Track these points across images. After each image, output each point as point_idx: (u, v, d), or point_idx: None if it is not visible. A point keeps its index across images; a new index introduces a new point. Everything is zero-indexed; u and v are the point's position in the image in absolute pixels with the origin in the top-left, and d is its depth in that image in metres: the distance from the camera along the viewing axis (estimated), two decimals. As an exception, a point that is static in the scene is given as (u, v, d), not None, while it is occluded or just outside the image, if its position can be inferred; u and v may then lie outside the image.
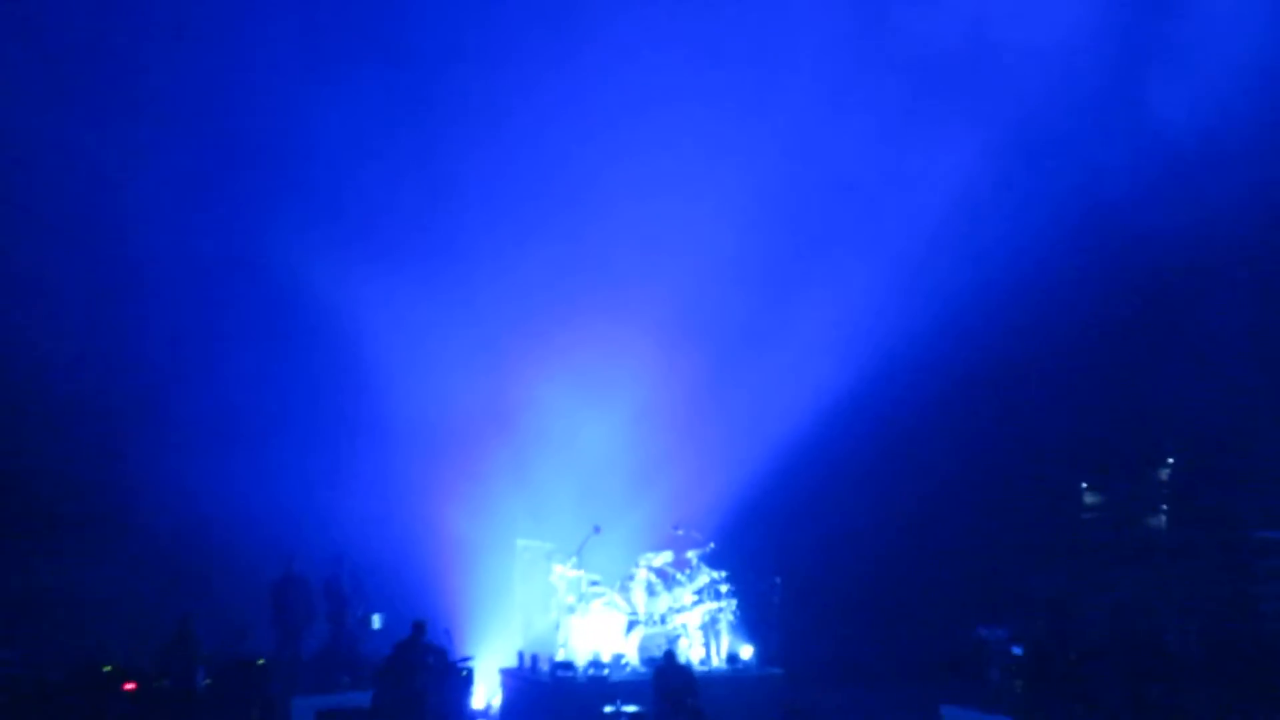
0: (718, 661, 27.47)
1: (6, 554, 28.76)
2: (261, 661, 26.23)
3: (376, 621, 28.49)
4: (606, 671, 26.20)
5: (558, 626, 27.57)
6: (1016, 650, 26.70)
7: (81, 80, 30.66)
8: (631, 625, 27.41)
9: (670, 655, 24.84)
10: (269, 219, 31.52)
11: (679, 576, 28.14)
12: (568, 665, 26.38)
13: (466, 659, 26.02)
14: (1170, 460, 31.32)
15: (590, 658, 26.61)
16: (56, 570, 28.73)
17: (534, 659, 26.99)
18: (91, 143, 30.48)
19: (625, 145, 31.14)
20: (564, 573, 27.72)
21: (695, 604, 27.80)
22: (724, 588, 28.17)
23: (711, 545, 28.54)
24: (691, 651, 27.00)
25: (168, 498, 28.04)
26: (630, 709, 24.19)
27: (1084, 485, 31.01)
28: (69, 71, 30.80)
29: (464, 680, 25.43)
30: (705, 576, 28.08)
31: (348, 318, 31.34)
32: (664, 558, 28.06)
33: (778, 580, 29.55)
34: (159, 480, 27.98)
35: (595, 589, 27.78)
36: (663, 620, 27.54)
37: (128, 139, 30.57)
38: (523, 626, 28.48)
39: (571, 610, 27.57)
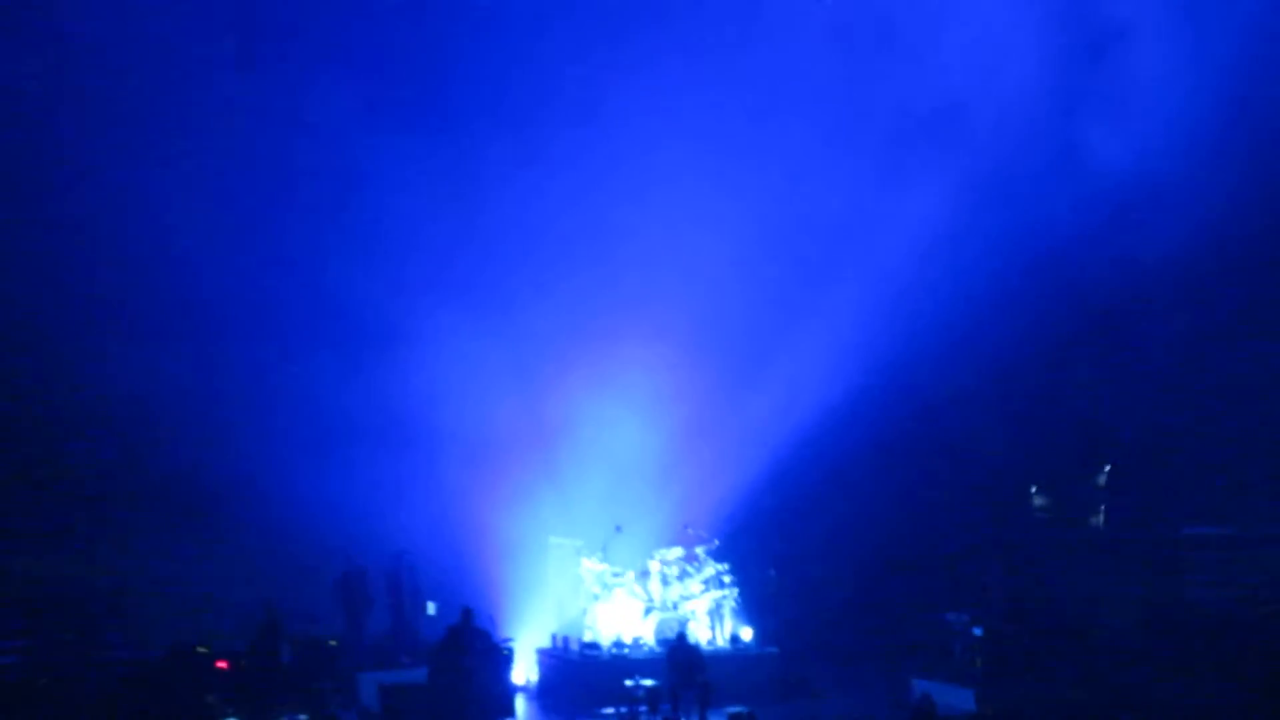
0: (722, 642, 29.38)
1: (129, 548, 30.09)
2: (334, 642, 28.56)
3: (431, 609, 30.14)
4: (627, 650, 28.24)
5: (585, 612, 29.71)
6: (977, 631, 27.76)
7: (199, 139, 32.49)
8: (648, 611, 29.41)
9: (682, 636, 26.67)
10: (353, 261, 33.46)
11: (689, 569, 30.13)
12: (594, 645, 28.57)
13: (508, 640, 27.57)
14: (1107, 467, 32.21)
15: (613, 639, 28.73)
16: (169, 561, 30.01)
17: (565, 640, 28.90)
18: (204, 188, 32.36)
19: (644, 184, 32.53)
20: (590, 566, 29.85)
21: (703, 592, 29.77)
22: (727, 578, 30.12)
23: (716, 542, 30.50)
24: (699, 633, 28.82)
25: (259, 499, 29.83)
26: (648, 683, 25.80)
27: (1034, 489, 32.27)
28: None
29: (506, 659, 26.99)
30: (711, 569, 30.07)
31: (412, 344, 32.88)
32: (675, 553, 30.09)
33: (773, 573, 32.24)
34: (253, 484, 29.90)
35: (617, 580, 29.84)
36: (675, 607, 29.49)
37: (234, 186, 32.61)
38: (555, 612, 30.17)
39: (597, 598, 29.68)
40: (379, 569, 31.49)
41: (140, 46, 31.96)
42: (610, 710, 26.43)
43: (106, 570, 30.42)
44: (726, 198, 32.89)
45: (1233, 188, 30.50)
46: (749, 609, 30.74)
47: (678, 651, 26.33)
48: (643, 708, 25.61)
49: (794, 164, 33.14)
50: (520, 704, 28.09)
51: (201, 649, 27.01)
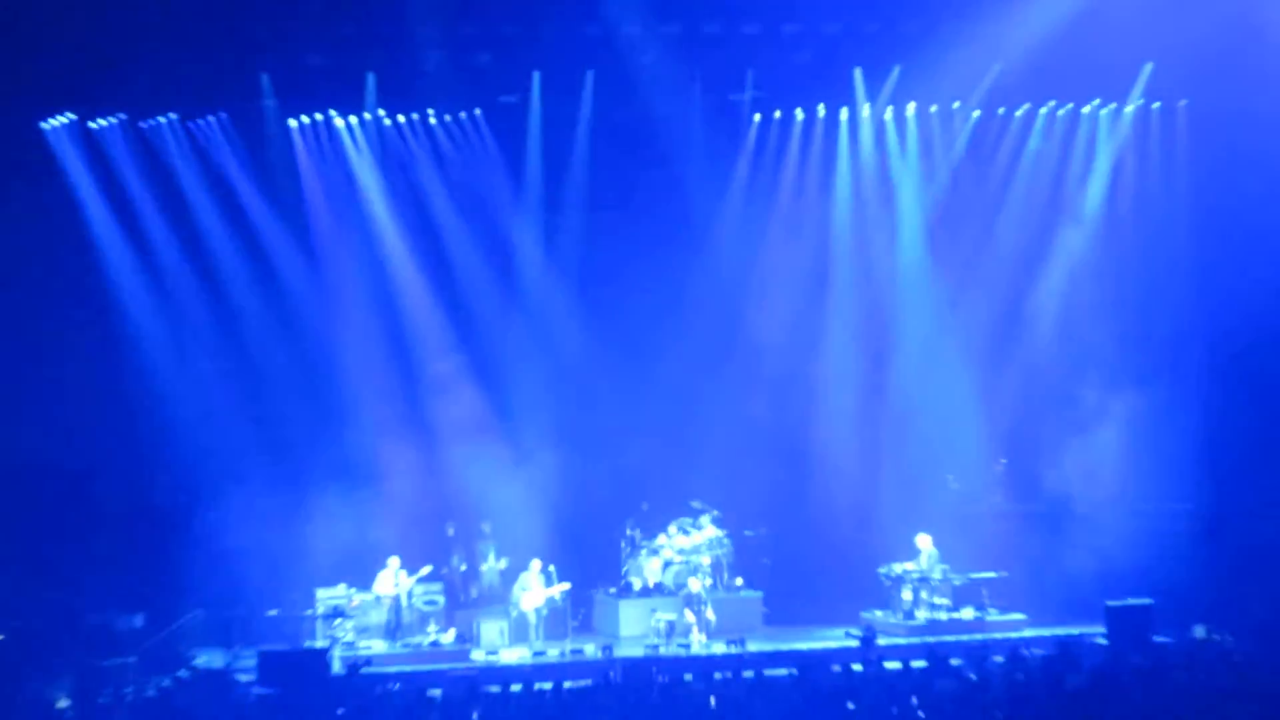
0: (720, 588, 32.93)
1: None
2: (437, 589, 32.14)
3: (504, 563, 32.82)
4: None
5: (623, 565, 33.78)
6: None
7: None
8: (666, 565, 33.26)
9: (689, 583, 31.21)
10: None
11: (694, 531, 33.84)
12: (629, 587, 33.00)
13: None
14: (1003, 459, 34.52)
15: (642, 583, 33.09)
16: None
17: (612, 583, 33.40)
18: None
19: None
20: (630, 533, 34.15)
21: (707, 549, 33.45)
22: (725, 539, 33.92)
23: (717, 512, 34.27)
24: (704, 580, 31.82)
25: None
26: (667, 616, 30.34)
27: (950, 476, 33.87)
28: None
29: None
30: (713, 531, 33.77)
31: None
32: (685, 524, 34.10)
33: (761, 530, 35.11)
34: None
35: (645, 543, 33.92)
36: (686, 561, 33.06)
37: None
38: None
39: (633, 557, 33.83)
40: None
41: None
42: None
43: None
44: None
45: None
46: (741, 562, 34.20)
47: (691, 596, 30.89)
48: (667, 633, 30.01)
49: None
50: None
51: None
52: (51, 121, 31.22)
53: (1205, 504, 31.67)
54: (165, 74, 29.89)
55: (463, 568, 33.18)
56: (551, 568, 31.25)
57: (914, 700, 19.36)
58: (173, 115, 31.79)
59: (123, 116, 31.53)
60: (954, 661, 22.97)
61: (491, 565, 32.96)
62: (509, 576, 32.26)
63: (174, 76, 29.83)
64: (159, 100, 31.31)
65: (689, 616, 30.45)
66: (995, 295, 34.93)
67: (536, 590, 31.19)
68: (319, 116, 32.52)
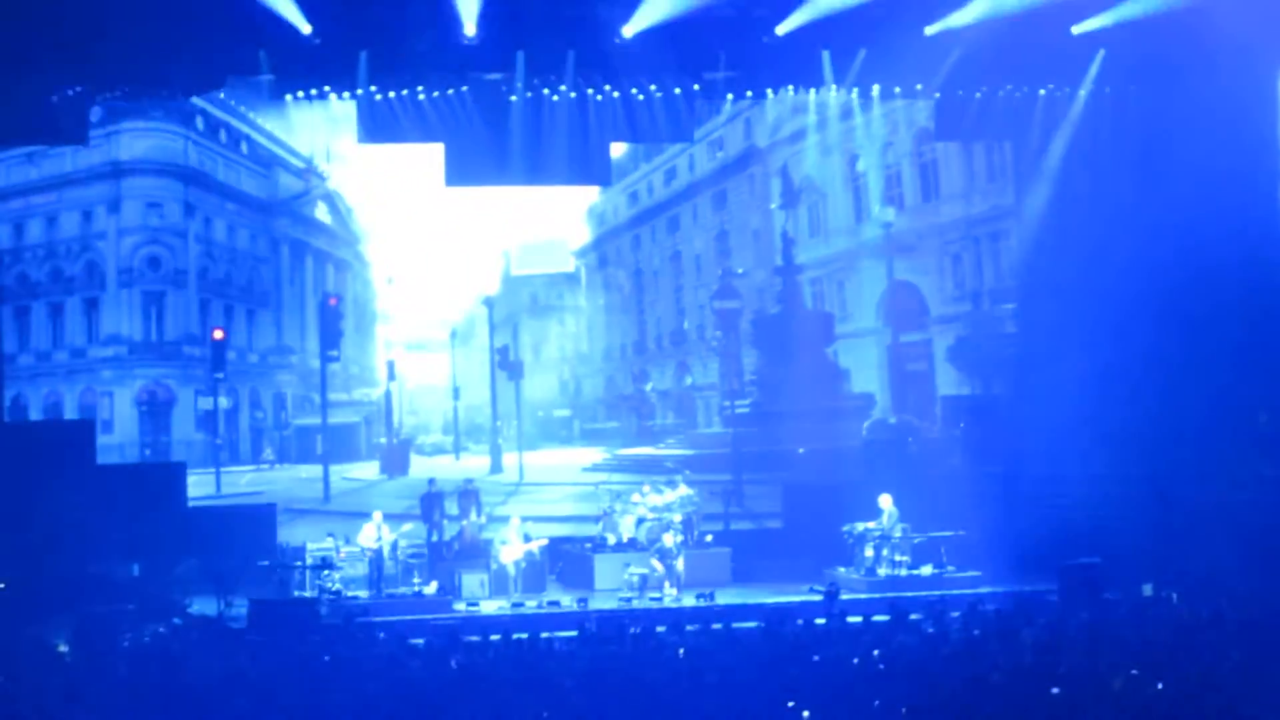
0: (692, 543, 32.38)
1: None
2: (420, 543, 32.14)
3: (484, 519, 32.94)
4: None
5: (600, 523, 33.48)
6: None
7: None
8: (640, 521, 32.83)
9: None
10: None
11: (666, 490, 33.55)
12: (604, 542, 32.70)
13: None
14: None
15: (616, 539, 32.73)
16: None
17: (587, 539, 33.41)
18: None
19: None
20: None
21: (679, 507, 32.87)
22: (696, 497, 33.69)
23: (687, 471, 34.93)
24: (676, 537, 31.20)
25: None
26: (640, 570, 30.23)
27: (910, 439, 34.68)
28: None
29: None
30: (684, 489, 33.51)
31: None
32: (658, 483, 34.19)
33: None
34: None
35: (621, 503, 33.67)
36: (659, 518, 32.47)
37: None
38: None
39: (609, 514, 33.45)
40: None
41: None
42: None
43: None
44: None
45: None
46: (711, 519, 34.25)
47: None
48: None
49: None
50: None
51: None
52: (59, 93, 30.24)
53: (1153, 468, 31.02)
54: (166, 49, 28.96)
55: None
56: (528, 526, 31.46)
57: (875, 653, 19.05)
58: (174, 88, 31.54)
59: (126, 89, 31.01)
60: (913, 616, 23.00)
61: (474, 520, 32.70)
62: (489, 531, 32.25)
63: (175, 51, 29.12)
64: (160, 74, 30.19)
65: (660, 570, 30.25)
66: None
67: (515, 545, 31.14)
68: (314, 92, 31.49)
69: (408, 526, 31.93)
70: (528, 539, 31.45)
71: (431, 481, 34.20)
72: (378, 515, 31.01)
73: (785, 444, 43.77)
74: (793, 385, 50.58)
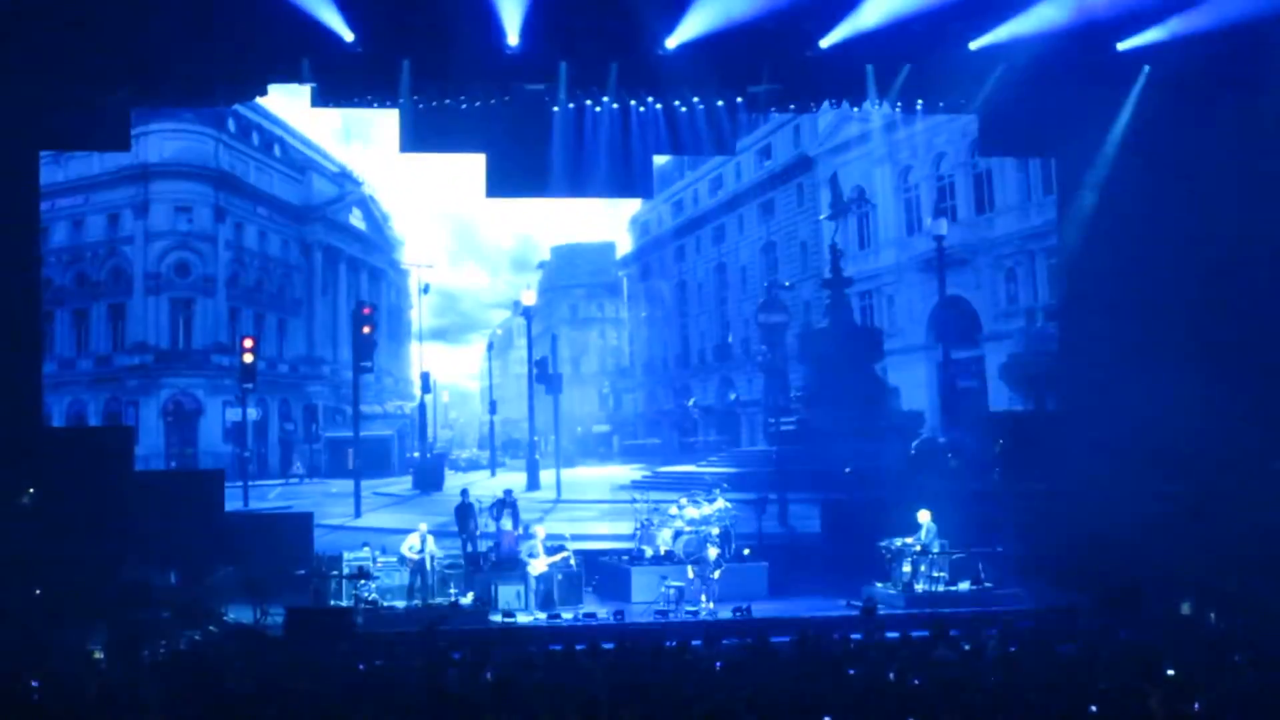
0: (729, 557, 32.80)
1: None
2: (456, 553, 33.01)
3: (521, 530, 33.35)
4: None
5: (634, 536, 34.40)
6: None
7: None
8: (677, 534, 33.68)
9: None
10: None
11: (704, 503, 34.59)
12: (641, 555, 33.65)
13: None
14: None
15: (653, 552, 33.61)
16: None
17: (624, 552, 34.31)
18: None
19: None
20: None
21: (716, 520, 33.85)
22: (734, 510, 34.63)
23: (725, 485, 35.70)
24: (713, 550, 31.86)
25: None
26: (676, 584, 30.72)
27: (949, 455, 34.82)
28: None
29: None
30: (722, 502, 34.55)
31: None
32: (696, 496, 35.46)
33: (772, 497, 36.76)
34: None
35: (658, 516, 34.54)
36: (696, 531, 33.42)
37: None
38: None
39: (646, 527, 34.26)
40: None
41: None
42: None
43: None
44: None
45: None
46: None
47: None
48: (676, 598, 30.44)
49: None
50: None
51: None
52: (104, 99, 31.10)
53: (1192, 487, 31.34)
54: (208, 56, 30.09)
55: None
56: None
57: (911, 669, 19.35)
58: (217, 94, 32.15)
59: (170, 94, 32.10)
60: (951, 632, 23.30)
61: (510, 531, 33.47)
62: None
63: (220, 59, 30.19)
64: (204, 81, 31.20)
65: (698, 584, 30.76)
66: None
67: (542, 558, 31.81)
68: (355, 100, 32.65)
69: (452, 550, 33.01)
70: (553, 551, 32.05)
71: (465, 492, 35.12)
72: (423, 526, 32.08)
73: (832, 463, 44.02)
74: (840, 402, 51.13)
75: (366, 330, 52.44)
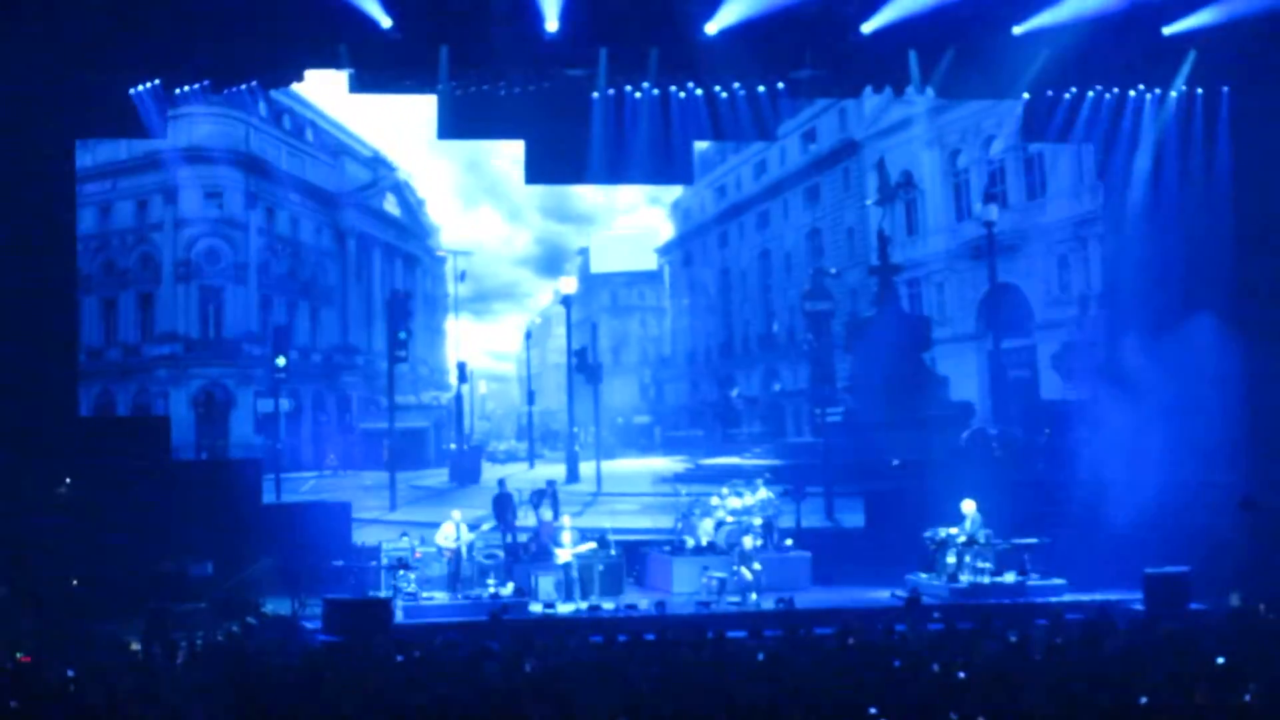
0: (771, 547, 33.75)
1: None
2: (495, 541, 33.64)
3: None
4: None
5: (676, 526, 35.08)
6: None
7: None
8: (719, 525, 34.05)
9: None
10: None
11: (746, 493, 34.88)
12: (682, 545, 34.12)
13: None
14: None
15: (695, 542, 33.96)
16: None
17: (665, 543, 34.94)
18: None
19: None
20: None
21: (759, 510, 34.37)
22: (777, 500, 34.95)
23: (768, 475, 36.29)
24: (755, 541, 32.50)
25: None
26: (718, 574, 31.32)
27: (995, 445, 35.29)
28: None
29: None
30: (765, 492, 34.88)
31: None
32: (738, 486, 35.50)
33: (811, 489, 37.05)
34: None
35: (700, 506, 35.05)
36: (738, 521, 33.81)
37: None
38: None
39: (688, 517, 34.88)
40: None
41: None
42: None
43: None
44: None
45: None
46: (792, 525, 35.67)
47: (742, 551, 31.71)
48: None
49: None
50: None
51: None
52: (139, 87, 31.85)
53: (1241, 475, 31.77)
54: (245, 42, 30.77)
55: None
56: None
57: (956, 660, 19.58)
58: (253, 82, 32.46)
59: (205, 83, 32.20)
60: (996, 624, 23.85)
61: (550, 521, 34.02)
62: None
63: (256, 45, 30.79)
64: (240, 68, 31.84)
65: (745, 574, 31.14)
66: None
67: (566, 547, 32.05)
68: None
69: (487, 526, 33.64)
70: (577, 541, 32.33)
71: (502, 482, 36.02)
72: (456, 514, 32.33)
73: (879, 455, 44.15)
74: (888, 393, 50.94)
75: (401, 321, 52.71)
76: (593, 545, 32.43)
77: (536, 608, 30.66)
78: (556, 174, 35.18)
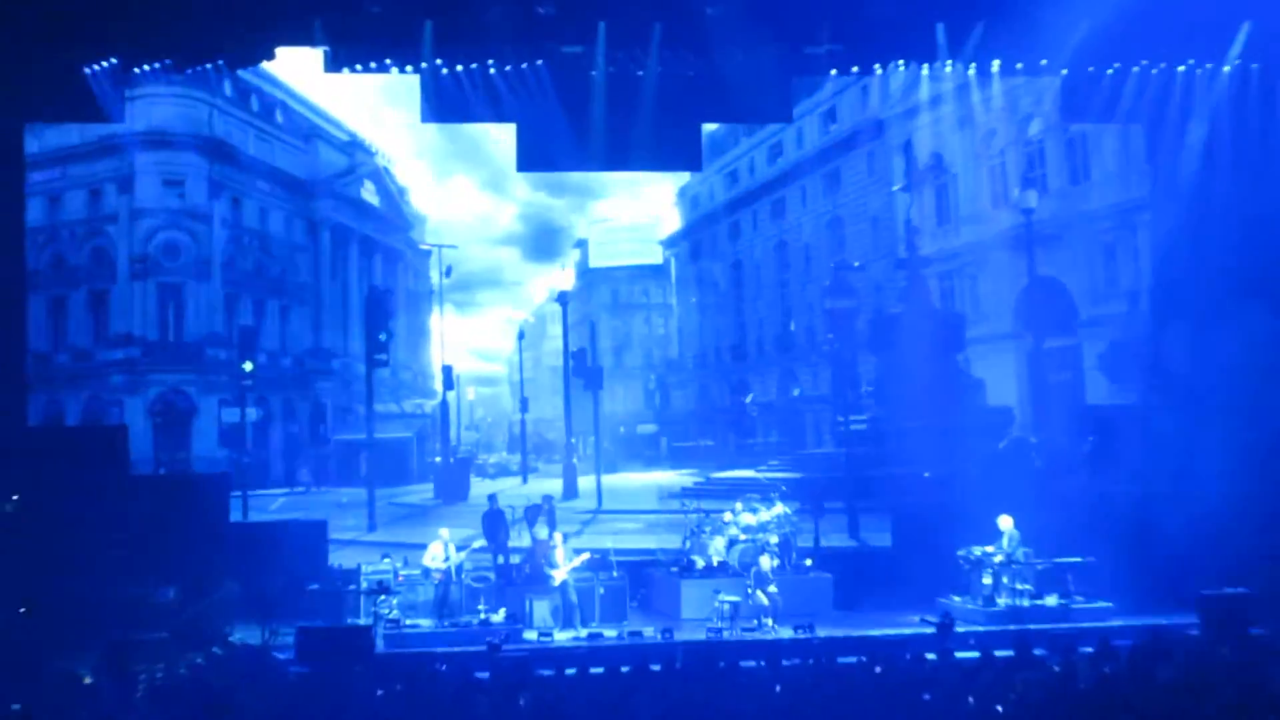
0: (788, 569, 33.41)
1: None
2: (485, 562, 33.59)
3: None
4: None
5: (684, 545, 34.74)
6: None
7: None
8: (732, 543, 33.97)
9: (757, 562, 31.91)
10: None
11: (761, 509, 35.03)
12: (691, 566, 33.85)
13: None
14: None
15: (705, 562, 33.76)
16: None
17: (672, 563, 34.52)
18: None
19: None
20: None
21: (775, 527, 34.35)
22: (794, 517, 35.00)
23: (784, 488, 36.11)
24: (772, 561, 32.14)
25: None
26: (731, 598, 30.83)
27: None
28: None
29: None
30: (781, 507, 34.99)
31: None
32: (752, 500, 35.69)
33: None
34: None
35: (710, 523, 34.90)
36: (752, 539, 33.82)
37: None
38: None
39: (698, 535, 34.65)
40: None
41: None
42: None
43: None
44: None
45: None
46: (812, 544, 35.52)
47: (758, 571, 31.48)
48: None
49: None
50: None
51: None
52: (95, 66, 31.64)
53: None
54: (211, 17, 30.61)
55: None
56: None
57: (993, 692, 19.73)
58: (220, 61, 32.50)
59: (167, 62, 32.04)
60: (1037, 652, 23.69)
61: (546, 540, 33.63)
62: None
63: (223, 21, 30.65)
64: (205, 45, 31.74)
65: (760, 598, 31.06)
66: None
67: (561, 566, 32.07)
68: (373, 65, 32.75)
69: (477, 544, 33.83)
70: (570, 556, 32.30)
71: (493, 498, 35.96)
72: (445, 533, 32.37)
73: (908, 466, 44.46)
74: (917, 398, 50.95)
75: (381, 321, 52.76)
76: (586, 557, 32.37)
77: (531, 635, 30.56)
78: (551, 160, 34.88)
